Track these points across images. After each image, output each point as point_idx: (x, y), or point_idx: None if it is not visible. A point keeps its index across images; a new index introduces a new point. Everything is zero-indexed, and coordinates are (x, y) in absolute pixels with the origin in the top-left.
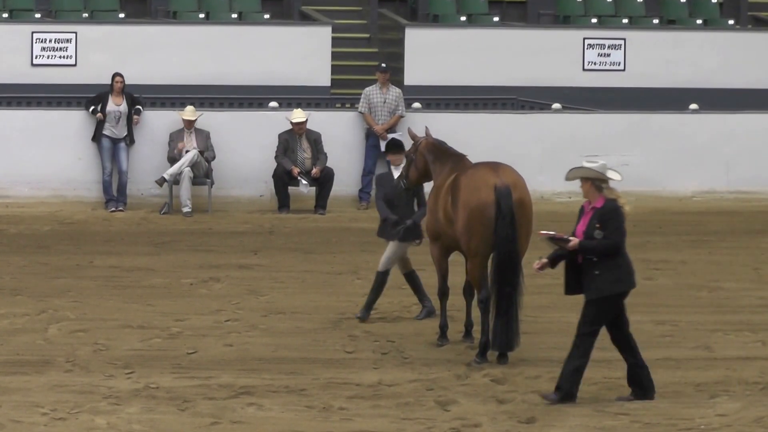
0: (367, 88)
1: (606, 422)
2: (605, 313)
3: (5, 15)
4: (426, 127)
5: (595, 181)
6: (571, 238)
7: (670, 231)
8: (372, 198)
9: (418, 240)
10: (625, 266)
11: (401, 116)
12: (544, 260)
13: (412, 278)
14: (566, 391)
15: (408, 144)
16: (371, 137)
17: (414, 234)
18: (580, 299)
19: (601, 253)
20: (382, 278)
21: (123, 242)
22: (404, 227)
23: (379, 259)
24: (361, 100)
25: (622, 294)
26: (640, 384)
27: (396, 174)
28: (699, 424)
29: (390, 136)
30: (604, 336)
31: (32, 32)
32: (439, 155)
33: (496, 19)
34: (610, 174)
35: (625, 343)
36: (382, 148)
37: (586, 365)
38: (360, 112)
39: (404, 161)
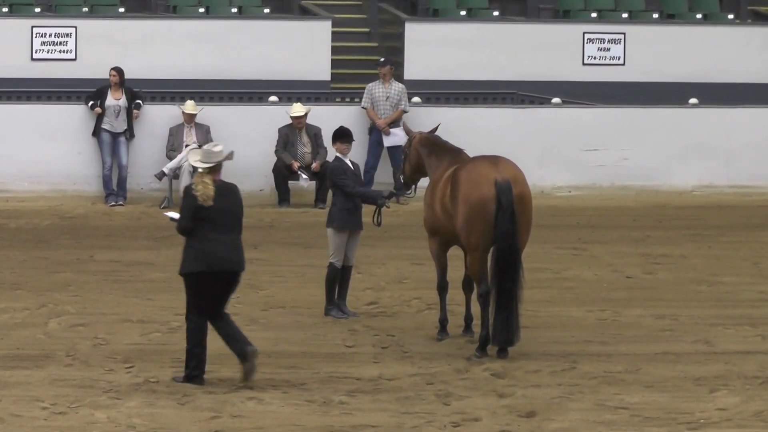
0: (369, 84)
1: (606, 416)
2: (191, 290)
3: (5, 9)
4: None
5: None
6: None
7: (670, 225)
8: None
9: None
10: (192, 249)
11: (404, 111)
12: None
13: (345, 273)
14: (188, 374)
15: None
16: (374, 132)
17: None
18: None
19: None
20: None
21: (123, 237)
22: (390, 193)
23: (380, 253)
24: (364, 95)
25: (189, 275)
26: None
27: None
28: (699, 418)
29: (392, 130)
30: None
31: (32, 26)
32: (434, 150)
33: (496, 13)
34: (202, 161)
35: (224, 335)
36: (385, 143)
37: (199, 344)
38: (363, 108)
39: (350, 150)
